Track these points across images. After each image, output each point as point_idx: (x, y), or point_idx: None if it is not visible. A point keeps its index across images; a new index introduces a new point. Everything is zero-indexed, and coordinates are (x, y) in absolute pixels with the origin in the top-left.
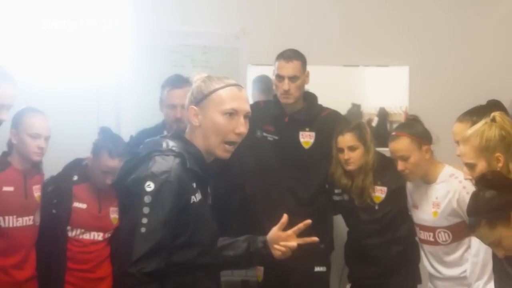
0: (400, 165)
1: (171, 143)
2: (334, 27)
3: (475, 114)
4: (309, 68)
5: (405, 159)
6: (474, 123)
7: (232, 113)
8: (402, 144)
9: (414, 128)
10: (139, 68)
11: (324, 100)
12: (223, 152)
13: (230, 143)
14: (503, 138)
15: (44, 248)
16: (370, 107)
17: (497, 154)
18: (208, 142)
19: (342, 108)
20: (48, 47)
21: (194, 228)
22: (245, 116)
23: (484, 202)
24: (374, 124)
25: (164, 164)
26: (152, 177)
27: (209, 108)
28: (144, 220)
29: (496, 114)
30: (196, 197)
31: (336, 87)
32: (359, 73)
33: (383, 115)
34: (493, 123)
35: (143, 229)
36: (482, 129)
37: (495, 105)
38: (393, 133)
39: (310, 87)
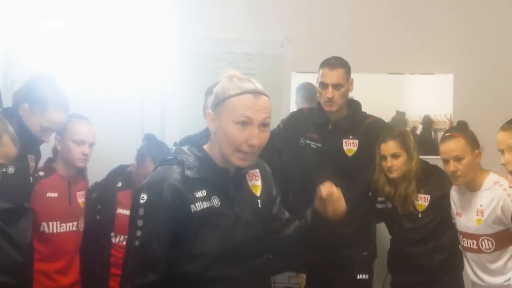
0: (453, 166)
1: (184, 151)
2: (379, 35)
3: None
4: (354, 75)
5: (458, 159)
6: None
7: (245, 123)
8: (457, 144)
9: (468, 131)
10: (184, 75)
11: (369, 107)
12: (238, 160)
13: (245, 153)
14: None
15: (88, 254)
16: (414, 115)
17: None
18: (222, 150)
19: (387, 115)
20: (94, 50)
21: (198, 238)
22: (263, 124)
23: None
24: (418, 132)
25: (161, 174)
26: (146, 188)
27: (223, 116)
28: (138, 233)
29: None
30: (198, 206)
31: (381, 94)
32: (404, 81)
33: (428, 123)
34: None
35: (136, 242)
36: None
37: None
38: (447, 134)
39: (355, 94)
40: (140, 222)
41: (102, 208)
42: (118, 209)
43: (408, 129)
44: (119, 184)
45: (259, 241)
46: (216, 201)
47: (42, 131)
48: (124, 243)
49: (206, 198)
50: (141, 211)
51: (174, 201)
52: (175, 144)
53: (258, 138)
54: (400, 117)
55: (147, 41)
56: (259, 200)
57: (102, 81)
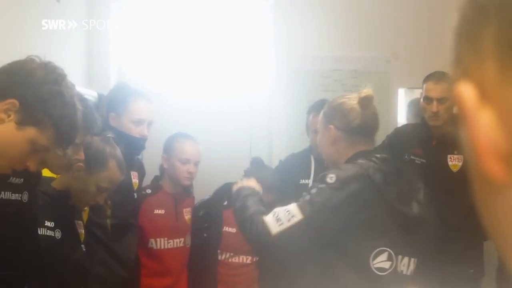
0: None
1: None
2: None
3: None
4: None
5: None
6: None
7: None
8: None
9: None
10: (290, 94)
11: None
12: None
13: None
14: None
15: (196, 271)
16: None
17: None
18: None
19: None
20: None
21: None
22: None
23: None
24: None
25: None
26: None
27: None
28: None
29: None
30: None
31: None
32: None
33: None
34: None
35: None
36: None
37: None
38: None
39: None
40: None
41: (209, 226)
42: (224, 227)
43: None
44: (225, 203)
45: None
46: None
47: (135, 126)
48: (230, 260)
49: None
50: None
51: None
52: (280, 162)
53: None
54: None
55: (256, 61)
56: None
57: (210, 98)
